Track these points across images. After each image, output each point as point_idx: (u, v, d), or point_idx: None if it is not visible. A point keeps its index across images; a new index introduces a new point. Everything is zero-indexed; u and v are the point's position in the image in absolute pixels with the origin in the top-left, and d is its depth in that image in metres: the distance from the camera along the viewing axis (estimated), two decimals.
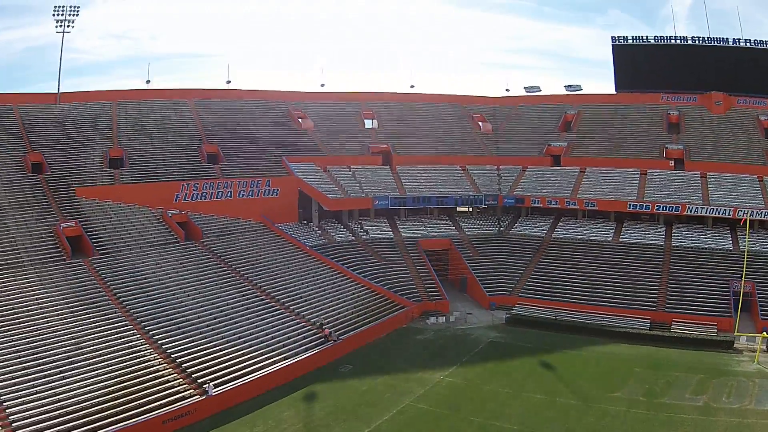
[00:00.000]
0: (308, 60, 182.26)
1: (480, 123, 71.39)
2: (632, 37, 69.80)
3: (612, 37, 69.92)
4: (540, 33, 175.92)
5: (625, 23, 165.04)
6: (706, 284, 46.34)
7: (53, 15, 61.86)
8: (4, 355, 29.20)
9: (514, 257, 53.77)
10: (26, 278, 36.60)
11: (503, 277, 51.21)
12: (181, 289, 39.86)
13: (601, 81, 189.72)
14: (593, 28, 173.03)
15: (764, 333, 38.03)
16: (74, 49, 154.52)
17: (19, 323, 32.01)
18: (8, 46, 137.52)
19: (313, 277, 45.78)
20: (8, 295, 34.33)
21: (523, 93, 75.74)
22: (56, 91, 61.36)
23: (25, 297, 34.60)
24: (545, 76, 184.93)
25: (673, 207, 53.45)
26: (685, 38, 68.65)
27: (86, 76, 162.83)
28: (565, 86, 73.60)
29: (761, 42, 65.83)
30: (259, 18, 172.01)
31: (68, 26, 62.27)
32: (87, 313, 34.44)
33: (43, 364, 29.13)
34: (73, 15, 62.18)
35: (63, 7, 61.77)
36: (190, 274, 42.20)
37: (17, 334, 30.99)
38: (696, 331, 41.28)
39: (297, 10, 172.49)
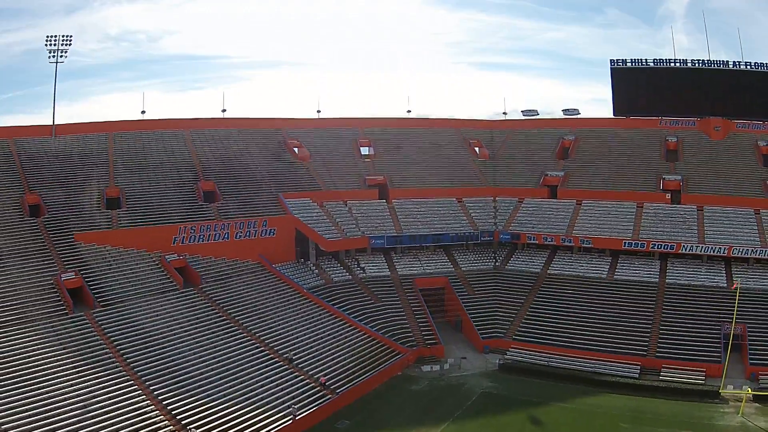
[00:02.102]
0: (308, 56, 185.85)
1: (477, 149, 74.23)
2: (631, 60, 72.52)
3: (610, 60, 72.88)
4: (538, 33, 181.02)
5: (623, 22, 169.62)
6: (698, 326, 49.15)
7: (45, 45, 64.15)
8: (17, 417, 31.40)
9: (509, 296, 56.93)
10: (31, 334, 38.59)
11: (498, 317, 54.39)
12: (182, 341, 42.41)
13: (600, 81, 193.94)
14: (591, 27, 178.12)
15: (749, 389, 40.76)
16: (72, 52, 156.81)
17: (28, 383, 33.91)
18: (7, 49, 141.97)
19: (312, 324, 48.74)
20: (15, 353, 36.33)
21: (521, 117, 78.50)
22: (51, 122, 63.92)
23: (32, 355, 36.59)
24: (543, 77, 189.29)
25: (667, 245, 56.46)
26: (685, 61, 71.35)
27: (84, 78, 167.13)
28: (563, 110, 76.93)
29: (762, 65, 68.25)
30: (259, 18, 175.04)
31: (61, 56, 64.65)
32: (92, 371, 36.63)
33: (54, 429, 31.43)
34: (66, 44, 64.39)
35: (55, 36, 64.10)
36: (191, 324, 44.81)
37: (28, 395, 33.16)
38: (684, 378, 44.14)
39: (297, 10, 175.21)
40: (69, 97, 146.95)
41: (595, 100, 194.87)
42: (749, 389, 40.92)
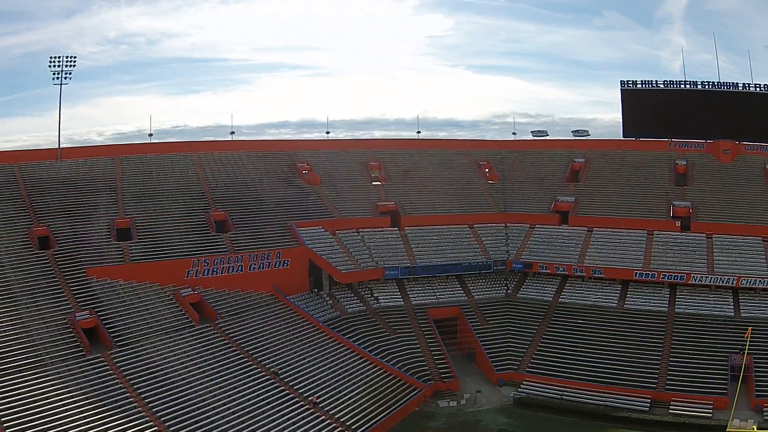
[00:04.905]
0: (307, 59, 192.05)
1: (486, 171, 77.58)
2: (641, 81, 75.86)
3: (621, 81, 76.23)
4: (536, 36, 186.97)
5: (621, 24, 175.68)
6: (706, 358, 51.90)
7: (49, 66, 65.80)
8: None
9: (521, 326, 59.83)
10: (48, 378, 39.59)
11: (511, 349, 57.32)
12: (200, 381, 43.73)
13: (598, 84, 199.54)
14: (589, 29, 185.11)
15: (754, 427, 43.44)
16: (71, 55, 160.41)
17: (47, 429, 34.89)
18: (6, 51, 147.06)
19: (329, 360, 51.06)
20: (33, 398, 37.34)
21: (530, 137, 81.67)
22: (56, 144, 65.92)
23: (50, 400, 37.61)
24: (542, 80, 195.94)
25: (677, 276, 59.54)
26: (695, 83, 74.40)
27: (83, 81, 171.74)
28: (572, 131, 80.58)
29: None
30: (258, 20, 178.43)
31: (65, 77, 66.14)
32: (113, 415, 37.61)
33: None
34: (70, 66, 65.93)
35: (59, 57, 65.63)
36: (208, 363, 46.22)
37: None
38: (692, 411, 46.93)
39: (295, 11, 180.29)
40: (69, 99, 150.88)
41: (595, 103, 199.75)
42: (755, 427, 43.27)
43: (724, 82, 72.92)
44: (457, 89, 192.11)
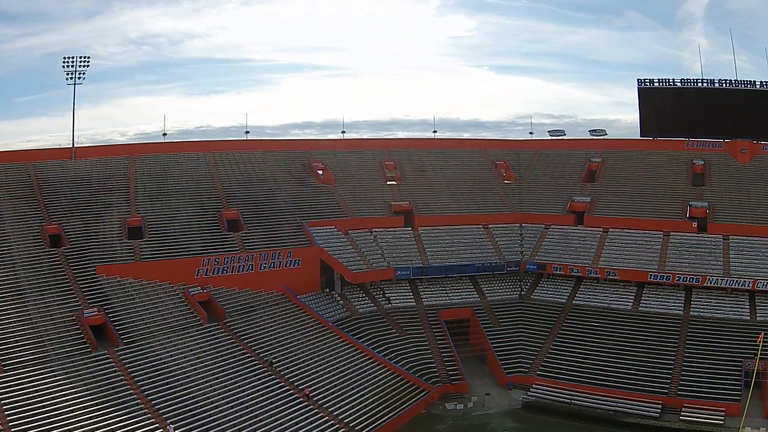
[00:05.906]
0: (331, 60, 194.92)
1: (503, 170, 77.27)
2: (658, 79, 74.63)
3: (638, 79, 75.30)
4: (557, 36, 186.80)
5: (642, 24, 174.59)
6: (720, 363, 50.58)
7: (63, 66, 66.51)
8: None
9: (534, 328, 58.89)
10: (53, 373, 39.94)
11: (522, 351, 56.40)
12: (205, 381, 43.68)
13: (620, 84, 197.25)
14: (611, 29, 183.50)
15: None
16: (93, 56, 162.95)
17: (50, 424, 35.06)
18: (27, 52, 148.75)
19: (337, 360, 50.79)
20: (37, 393, 37.63)
21: (547, 137, 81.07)
22: (71, 143, 66.51)
23: (54, 395, 37.83)
24: (564, 81, 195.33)
25: (693, 278, 58.26)
26: (712, 81, 73.01)
27: (105, 81, 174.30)
28: (589, 131, 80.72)
29: None
30: (281, 20, 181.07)
31: (80, 77, 66.63)
32: (115, 412, 37.65)
33: None
34: (84, 66, 66.32)
35: (73, 57, 66.20)
36: (214, 363, 46.07)
37: None
38: (704, 417, 45.69)
39: (319, 13, 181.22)
40: (92, 100, 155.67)
41: (617, 104, 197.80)
42: None
43: (741, 81, 71.28)
44: (480, 90, 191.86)
